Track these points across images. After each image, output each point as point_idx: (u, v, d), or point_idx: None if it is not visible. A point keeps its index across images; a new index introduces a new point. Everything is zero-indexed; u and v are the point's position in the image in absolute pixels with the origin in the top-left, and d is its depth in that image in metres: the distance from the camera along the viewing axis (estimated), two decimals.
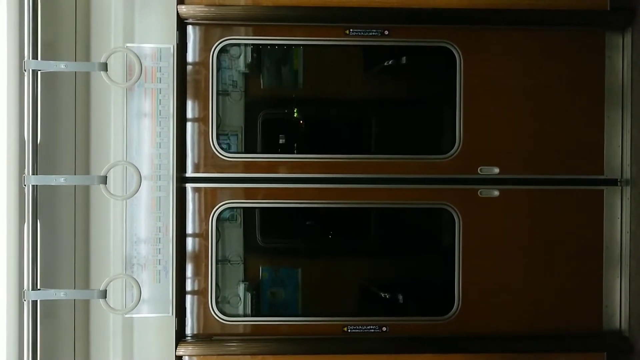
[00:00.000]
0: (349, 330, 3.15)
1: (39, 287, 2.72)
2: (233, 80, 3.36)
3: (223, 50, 3.19)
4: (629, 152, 3.19)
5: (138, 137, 2.97)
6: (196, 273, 3.15)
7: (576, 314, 3.20)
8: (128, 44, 2.96)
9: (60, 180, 2.75)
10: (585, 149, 3.22)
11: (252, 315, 3.35)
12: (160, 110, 2.99)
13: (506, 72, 3.19)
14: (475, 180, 3.18)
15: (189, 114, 3.14)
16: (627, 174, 3.20)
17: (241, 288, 3.35)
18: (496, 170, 3.19)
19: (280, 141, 3.38)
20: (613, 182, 3.22)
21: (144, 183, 2.93)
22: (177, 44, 3.00)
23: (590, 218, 3.22)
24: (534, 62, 3.20)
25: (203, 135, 3.14)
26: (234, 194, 3.16)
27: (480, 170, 3.19)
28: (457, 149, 3.18)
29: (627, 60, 3.21)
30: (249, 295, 3.35)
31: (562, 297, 3.20)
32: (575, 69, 3.21)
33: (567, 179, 3.21)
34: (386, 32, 3.15)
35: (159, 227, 2.99)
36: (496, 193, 3.19)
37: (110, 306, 2.84)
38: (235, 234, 3.41)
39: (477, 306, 3.17)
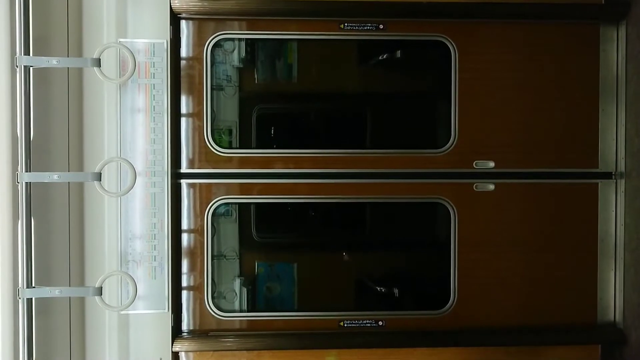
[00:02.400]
0: (345, 325, 3.15)
1: (33, 285, 2.71)
2: (227, 75, 3.34)
3: (217, 45, 3.16)
4: (624, 146, 3.20)
5: (132, 133, 2.95)
6: (192, 269, 3.14)
7: (571, 306, 3.22)
8: (121, 39, 2.93)
9: (53, 177, 2.73)
10: (580, 143, 3.22)
11: (248, 311, 3.35)
12: (154, 106, 2.97)
13: (501, 65, 3.19)
14: (470, 175, 3.18)
15: (183, 109, 3.12)
16: (622, 167, 3.21)
17: (237, 283, 3.35)
18: (491, 164, 3.19)
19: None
20: (607, 176, 3.23)
21: (139, 179, 2.92)
22: (170, 39, 2.98)
23: (585, 211, 3.23)
24: (529, 56, 3.20)
25: (197, 130, 3.12)
26: (229, 189, 3.15)
27: (476, 164, 3.19)
28: (453, 143, 3.18)
29: (621, 54, 3.20)
30: (244, 291, 3.35)
31: (557, 290, 3.22)
32: (570, 63, 3.21)
33: (562, 173, 3.22)
34: (381, 27, 3.13)
35: (154, 224, 2.98)
36: (491, 187, 3.19)
37: (105, 303, 2.83)
38: (231, 229, 3.40)
39: (473, 300, 3.18)
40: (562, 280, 3.22)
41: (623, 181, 3.21)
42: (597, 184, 3.24)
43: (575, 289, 3.23)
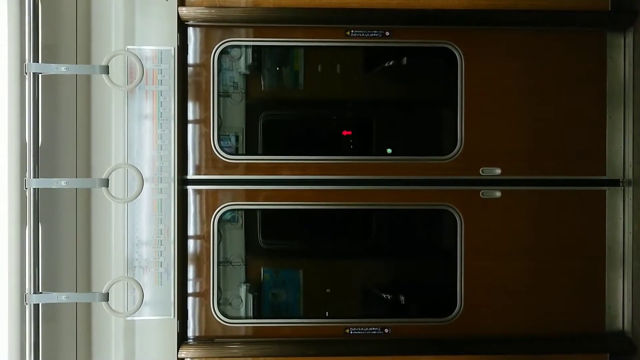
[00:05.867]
0: (351, 332, 3.15)
1: (40, 291, 2.72)
2: (234, 82, 3.35)
3: (224, 52, 3.18)
4: (631, 153, 3.18)
5: (139, 139, 2.97)
6: (198, 275, 3.15)
7: (579, 315, 3.19)
8: (129, 46, 2.96)
9: (61, 183, 2.75)
10: (587, 150, 3.21)
11: (253, 317, 3.34)
12: (161, 113, 2.98)
13: (507, 72, 3.19)
14: (477, 182, 3.18)
15: (190, 116, 3.14)
16: (629, 175, 3.19)
17: (243, 290, 3.35)
18: (498, 171, 3.18)
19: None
20: (615, 183, 3.21)
21: (146, 185, 2.93)
22: (178, 46, 3.00)
23: (593, 219, 3.21)
24: (535, 63, 3.19)
25: (204, 137, 3.14)
26: (235, 195, 3.16)
27: (482, 171, 3.18)
28: (459, 150, 3.17)
29: (628, 61, 3.20)
30: (250, 297, 3.35)
31: (564, 298, 3.20)
32: (576, 70, 3.20)
33: (569, 180, 3.20)
34: (387, 33, 3.14)
35: (161, 230, 2.99)
36: (498, 194, 3.18)
37: (112, 309, 2.84)
38: (237, 236, 3.40)
39: (479, 308, 3.17)
40: (570, 289, 3.20)
41: (631, 188, 3.19)
42: (605, 191, 3.22)
43: (583, 297, 3.21)
